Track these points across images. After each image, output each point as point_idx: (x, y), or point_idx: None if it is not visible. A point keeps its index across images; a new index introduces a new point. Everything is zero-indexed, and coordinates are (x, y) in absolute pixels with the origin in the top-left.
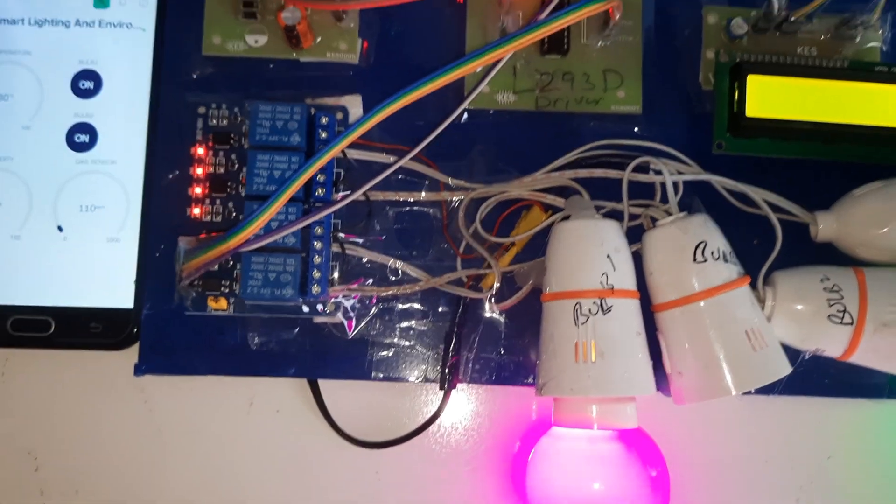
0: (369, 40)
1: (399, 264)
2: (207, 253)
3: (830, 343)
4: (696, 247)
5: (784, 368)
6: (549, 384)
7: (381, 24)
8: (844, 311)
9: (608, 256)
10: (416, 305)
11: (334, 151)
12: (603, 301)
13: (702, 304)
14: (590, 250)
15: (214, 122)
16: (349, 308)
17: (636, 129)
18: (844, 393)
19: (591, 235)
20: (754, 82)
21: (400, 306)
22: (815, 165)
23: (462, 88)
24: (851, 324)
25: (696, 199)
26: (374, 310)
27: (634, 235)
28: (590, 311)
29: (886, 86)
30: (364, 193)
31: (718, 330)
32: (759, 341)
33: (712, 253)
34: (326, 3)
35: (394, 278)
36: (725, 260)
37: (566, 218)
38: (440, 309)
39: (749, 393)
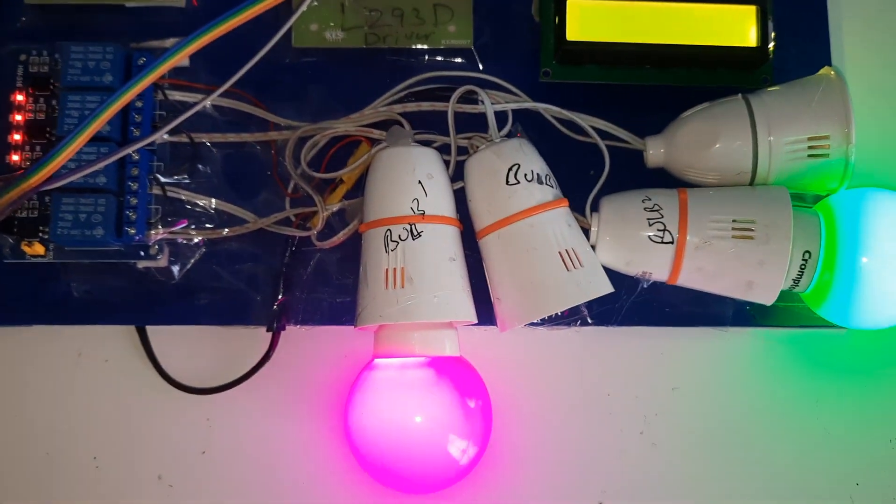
0: None
1: (226, 206)
2: (11, 192)
3: (655, 265)
4: (510, 170)
5: (601, 287)
6: (362, 313)
7: None
8: (665, 230)
9: (420, 182)
10: (246, 248)
11: (142, 84)
12: (413, 227)
13: (515, 225)
14: (400, 177)
15: (35, 68)
16: (174, 253)
17: (468, 64)
18: (687, 322)
19: (402, 162)
20: (574, 6)
21: (228, 249)
22: (648, 91)
23: (292, 31)
24: (672, 242)
25: (518, 125)
26: (200, 253)
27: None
28: (399, 237)
29: (712, 6)
30: (188, 135)
31: (532, 251)
32: (574, 261)
33: (525, 175)
34: None
35: (221, 220)
36: (540, 182)
37: (385, 148)
38: (270, 251)
39: (587, 324)
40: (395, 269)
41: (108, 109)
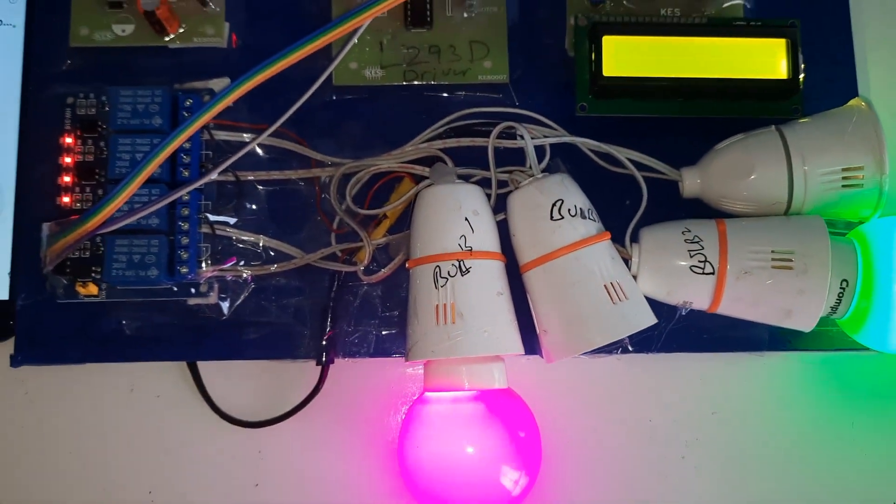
0: (236, 23)
1: (272, 242)
2: (68, 236)
3: (696, 294)
4: (553, 205)
5: (646, 319)
6: (413, 348)
7: (247, 6)
8: (706, 261)
9: (466, 219)
10: (292, 283)
11: (192, 128)
12: (461, 263)
13: (560, 260)
14: (447, 214)
15: (82, 111)
16: (223, 289)
17: (504, 98)
18: (724, 347)
19: (448, 199)
20: (610, 43)
21: (275, 284)
22: (681, 123)
23: (331, 76)
24: (713, 273)
25: (557, 160)
26: (249, 289)
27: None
28: (449, 273)
29: (743, 39)
30: (234, 173)
31: (578, 285)
32: (618, 294)
33: (569, 210)
34: None
35: (268, 257)
36: (583, 216)
37: (430, 185)
38: (316, 285)
39: (628, 351)
40: (445, 304)
41: (161, 154)
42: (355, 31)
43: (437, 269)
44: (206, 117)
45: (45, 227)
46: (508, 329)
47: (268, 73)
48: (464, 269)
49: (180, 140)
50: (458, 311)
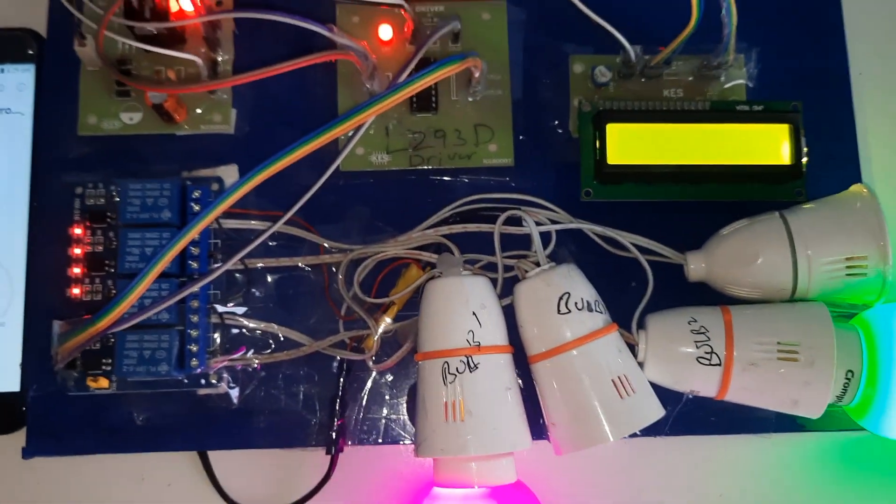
0: (243, 110)
1: (281, 330)
2: (78, 336)
3: (703, 384)
4: (560, 298)
5: (654, 413)
6: (422, 445)
7: (254, 93)
8: (712, 353)
9: (474, 313)
10: (301, 370)
11: (202, 224)
12: (470, 359)
13: (567, 355)
14: (455, 308)
15: (91, 201)
16: (233, 378)
17: (509, 181)
18: (731, 430)
19: (455, 293)
20: (613, 130)
21: (284, 372)
22: (686, 206)
23: (336, 150)
24: (720, 364)
25: (564, 249)
26: (258, 377)
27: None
28: (457, 369)
29: (746, 125)
30: (242, 262)
31: (585, 380)
32: (627, 388)
33: (576, 304)
34: (189, 87)
35: (277, 344)
36: (590, 309)
37: (438, 275)
38: (325, 372)
39: (636, 435)
40: (454, 401)
41: (171, 251)
42: (361, 125)
43: (446, 365)
44: (215, 213)
45: (57, 326)
46: (518, 424)
47: (275, 168)
48: (472, 364)
49: (190, 237)
50: (468, 409)
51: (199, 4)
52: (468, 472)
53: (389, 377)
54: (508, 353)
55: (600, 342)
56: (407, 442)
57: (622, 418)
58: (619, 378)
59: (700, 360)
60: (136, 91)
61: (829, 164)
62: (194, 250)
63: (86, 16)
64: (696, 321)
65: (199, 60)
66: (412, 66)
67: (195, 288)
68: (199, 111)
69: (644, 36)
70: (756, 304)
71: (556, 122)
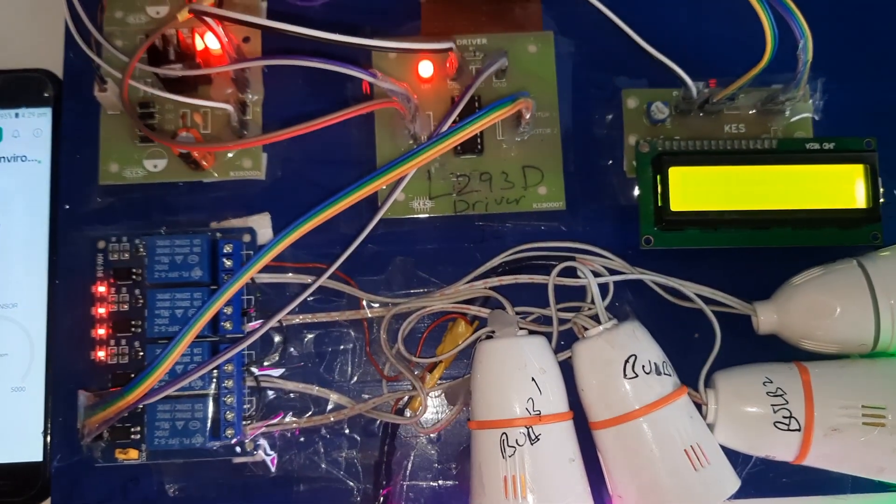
0: (275, 155)
1: (320, 392)
2: (107, 409)
3: (780, 449)
4: (626, 361)
5: (731, 486)
6: None
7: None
8: (791, 417)
9: (533, 379)
10: (343, 434)
11: (235, 287)
12: (530, 430)
13: (636, 423)
14: (512, 374)
15: (115, 256)
16: (270, 444)
17: (561, 226)
18: (804, 492)
19: (513, 357)
20: (676, 174)
21: (325, 436)
22: (753, 253)
23: (376, 198)
24: (799, 430)
25: (626, 305)
26: (297, 442)
27: (569, 340)
28: (517, 441)
29: (817, 166)
30: (278, 320)
31: (656, 451)
32: (700, 459)
33: (643, 367)
34: (217, 146)
35: (316, 407)
36: (658, 373)
37: (490, 335)
38: (369, 436)
39: None
40: (514, 476)
41: (205, 316)
42: (403, 177)
43: (504, 437)
44: (250, 274)
45: (83, 397)
46: (582, 498)
47: (312, 224)
48: (533, 436)
49: (224, 300)
50: (529, 486)
51: (226, 43)
52: None
53: (437, 441)
54: (570, 419)
55: (671, 408)
56: None
57: (697, 492)
58: (691, 447)
59: (778, 424)
60: (159, 137)
61: None
62: (227, 310)
63: (105, 59)
64: (771, 382)
65: (229, 108)
66: (458, 110)
67: (232, 353)
68: (228, 155)
69: (700, 68)
70: (835, 361)
71: (610, 162)
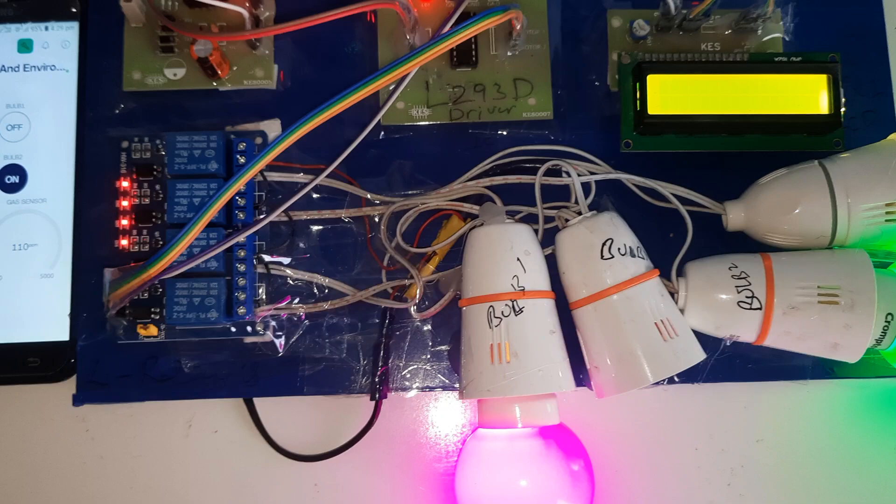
0: (285, 65)
1: (325, 280)
2: (130, 282)
3: (743, 329)
4: (603, 244)
5: (696, 355)
6: (468, 387)
7: (295, 48)
8: (753, 297)
9: (518, 259)
10: (345, 319)
11: (249, 175)
12: (515, 303)
13: (611, 298)
14: (500, 254)
15: (137, 155)
16: (278, 326)
17: (549, 135)
18: (769, 377)
19: (500, 240)
20: (654, 81)
21: (328, 321)
22: (724, 157)
23: (377, 105)
24: (760, 308)
25: (605, 198)
26: (303, 327)
27: (553, 237)
28: (502, 313)
29: (785, 76)
30: (287, 214)
31: (629, 323)
32: (669, 331)
33: (619, 249)
34: (234, 35)
35: (321, 294)
36: (633, 255)
37: (480, 225)
38: (368, 321)
39: (674, 382)
40: (499, 344)
41: (219, 201)
42: (404, 77)
43: (491, 309)
44: (261, 164)
45: (108, 273)
46: (561, 366)
47: (319, 120)
48: (517, 308)
49: (237, 187)
50: (513, 351)
51: None
52: (513, 412)
53: (431, 326)
54: (552, 298)
55: (643, 286)
56: (449, 388)
57: (665, 359)
58: (661, 321)
59: (741, 304)
60: (179, 47)
61: (866, 116)
62: (241, 201)
63: None
64: (736, 267)
65: (244, 11)
66: (454, 18)
67: (242, 237)
68: (241, 67)
69: None
70: (796, 251)
71: (595, 76)
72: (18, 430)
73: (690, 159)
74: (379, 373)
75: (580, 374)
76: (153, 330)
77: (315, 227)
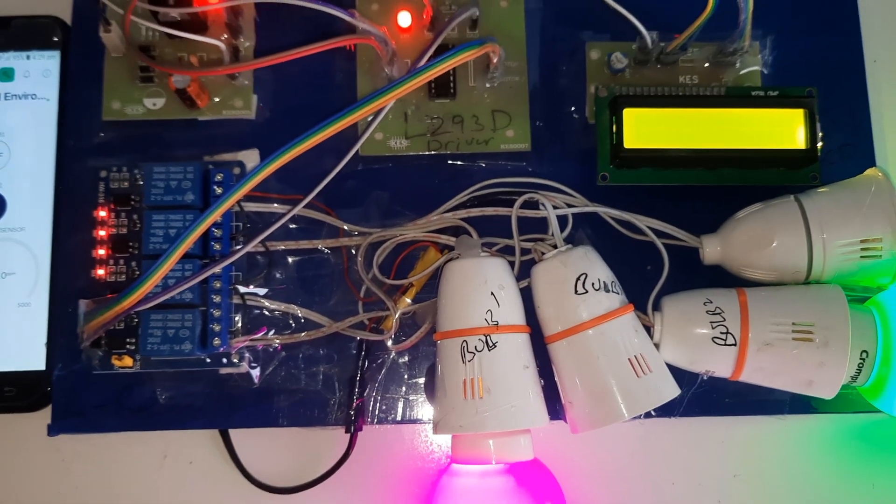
0: (264, 96)
1: (301, 311)
2: (104, 314)
3: (718, 364)
4: (577, 279)
5: (670, 392)
6: (441, 422)
7: (275, 79)
8: (727, 333)
9: (492, 293)
10: (321, 351)
11: (225, 206)
12: (488, 338)
13: (585, 334)
14: (474, 289)
15: (115, 184)
16: (254, 357)
17: (526, 166)
18: (746, 411)
19: (474, 274)
20: (630, 115)
21: (305, 352)
22: (701, 190)
23: (356, 135)
24: (735, 345)
25: (580, 232)
26: (279, 357)
27: (530, 270)
28: (476, 348)
29: (761, 110)
30: (263, 244)
31: (602, 358)
32: (643, 367)
33: (593, 284)
34: (212, 70)
35: (297, 325)
36: (607, 290)
37: (456, 258)
38: (344, 353)
39: (651, 416)
40: (472, 379)
41: (194, 233)
42: (382, 108)
43: (465, 344)
44: (238, 195)
45: (83, 304)
46: (535, 402)
47: (297, 152)
48: (490, 343)
49: (212, 219)
50: (486, 387)
51: None
52: (486, 448)
53: (407, 358)
54: (526, 332)
55: (617, 322)
56: (424, 421)
57: (638, 396)
58: (635, 357)
59: (715, 339)
60: (159, 77)
61: (843, 150)
62: (217, 232)
63: (110, 1)
64: (711, 302)
65: (222, 45)
66: (431, 51)
67: (218, 268)
68: (220, 97)
69: (660, 23)
70: (771, 287)
71: (573, 109)
72: None
73: (667, 193)
74: (355, 405)
75: (556, 406)
76: (128, 361)
77: (292, 258)
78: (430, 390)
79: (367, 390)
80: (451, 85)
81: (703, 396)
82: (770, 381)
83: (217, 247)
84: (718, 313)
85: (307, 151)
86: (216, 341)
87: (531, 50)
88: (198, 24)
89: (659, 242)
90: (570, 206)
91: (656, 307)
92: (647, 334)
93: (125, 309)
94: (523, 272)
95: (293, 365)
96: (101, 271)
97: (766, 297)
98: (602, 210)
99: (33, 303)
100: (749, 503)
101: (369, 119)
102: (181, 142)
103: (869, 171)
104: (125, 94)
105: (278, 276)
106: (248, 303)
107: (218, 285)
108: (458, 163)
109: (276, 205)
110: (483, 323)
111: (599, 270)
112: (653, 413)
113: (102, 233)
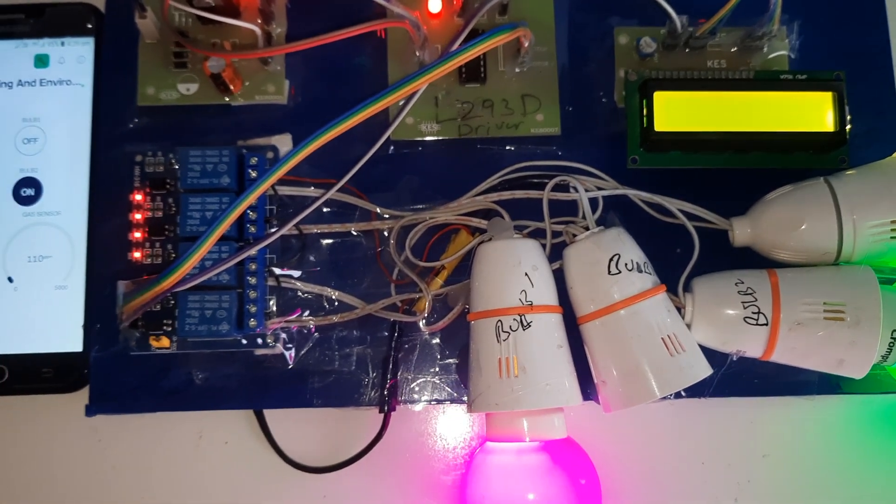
0: (296, 81)
1: (335, 293)
2: (143, 295)
3: (750, 344)
4: (611, 259)
5: (702, 371)
6: (476, 400)
7: (307, 65)
8: (759, 313)
9: (526, 274)
10: (354, 332)
11: (261, 189)
12: (523, 317)
13: (618, 314)
14: (508, 269)
15: (151, 168)
16: (288, 339)
17: (556, 150)
18: (775, 392)
19: (508, 255)
20: (661, 98)
21: (338, 334)
22: (731, 173)
23: (387, 121)
24: (767, 324)
25: (612, 213)
26: (313, 339)
27: (561, 252)
28: (510, 327)
29: (790, 93)
30: (297, 227)
31: (636, 338)
32: (676, 346)
33: (626, 265)
34: (247, 53)
35: (331, 307)
36: (640, 270)
37: (489, 240)
38: (377, 334)
39: (681, 396)
40: (507, 358)
41: (231, 215)
42: (413, 93)
43: (499, 324)
44: (273, 179)
45: (121, 286)
46: (569, 381)
47: (329, 136)
48: (525, 323)
49: (248, 201)
50: (521, 365)
51: None
52: (520, 426)
53: (439, 339)
54: (559, 312)
55: (650, 302)
56: (456, 401)
57: (671, 375)
58: (668, 337)
59: (747, 320)
60: (193, 63)
61: (870, 134)
62: (252, 215)
63: None
64: (742, 283)
65: (256, 28)
66: (464, 35)
67: (254, 250)
68: (252, 83)
69: (689, 7)
70: (802, 267)
71: (602, 93)
72: (31, 440)
73: (697, 176)
74: (388, 385)
75: (588, 388)
76: (165, 342)
77: (325, 241)
78: (464, 371)
79: (400, 371)
80: (482, 70)
81: (733, 377)
82: (801, 361)
83: (252, 229)
84: (750, 293)
85: (340, 137)
86: (252, 322)
87: (560, 35)
88: (231, 9)
89: (689, 224)
90: (600, 189)
91: (687, 289)
92: (678, 315)
93: (164, 290)
94: (554, 255)
95: (327, 346)
96: (137, 254)
97: (797, 278)
98: (632, 192)
99: (70, 285)
100: (778, 483)
101: (400, 104)
102: (214, 127)
103: None
104: (159, 79)
105: (312, 258)
106: (283, 285)
107: (253, 267)
108: (489, 147)
109: (309, 189)
110: (518, 303)
111: (632, 251)
112: (683, 393)
113: (138, 216)
